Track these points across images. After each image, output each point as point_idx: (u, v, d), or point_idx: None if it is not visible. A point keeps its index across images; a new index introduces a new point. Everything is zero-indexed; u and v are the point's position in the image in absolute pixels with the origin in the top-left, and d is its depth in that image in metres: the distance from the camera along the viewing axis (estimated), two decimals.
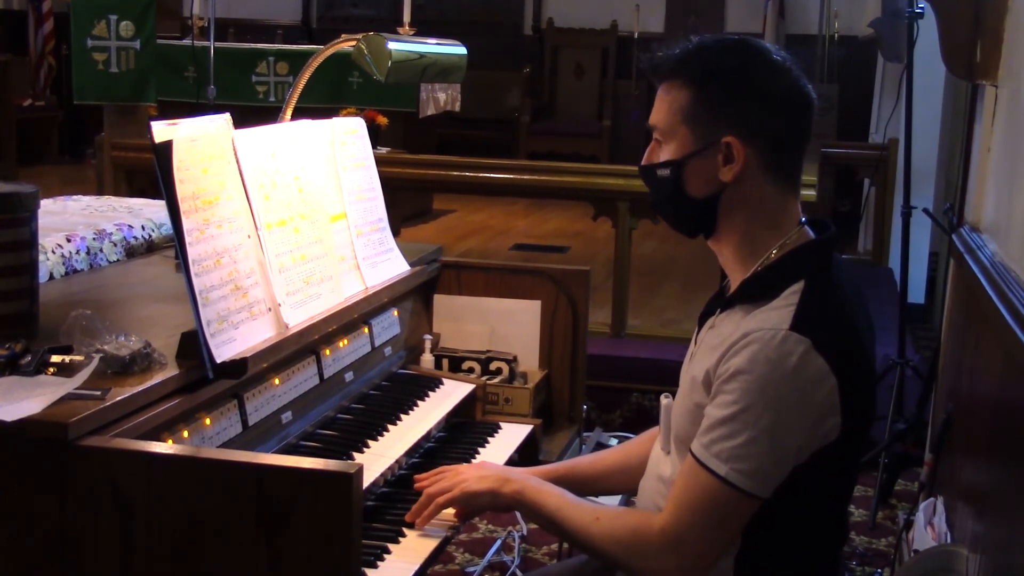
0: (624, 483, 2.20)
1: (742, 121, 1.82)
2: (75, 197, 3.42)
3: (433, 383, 2.60)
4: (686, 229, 1.95)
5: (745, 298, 1.84)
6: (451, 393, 2.58)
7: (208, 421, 1.86)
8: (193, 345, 1.85)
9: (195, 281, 1.86)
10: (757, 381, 1.72)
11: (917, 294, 6.59)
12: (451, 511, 2.02)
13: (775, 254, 1.85)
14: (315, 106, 5.18)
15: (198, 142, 1.95)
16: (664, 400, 2.00)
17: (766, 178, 1.85)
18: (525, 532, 3.87)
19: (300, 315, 2.13)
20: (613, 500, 2.58)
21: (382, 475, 2.13)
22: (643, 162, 1.93)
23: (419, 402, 2.47)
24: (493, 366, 2.76)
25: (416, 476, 2.07)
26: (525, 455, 2.54)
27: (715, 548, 1.79)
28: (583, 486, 2.16)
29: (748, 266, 1.88)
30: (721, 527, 1.77)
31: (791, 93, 1.85)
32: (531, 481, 1.99)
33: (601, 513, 1.91)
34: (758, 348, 1.72)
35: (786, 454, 1.73)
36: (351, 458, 2.11)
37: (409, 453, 2.27)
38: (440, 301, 2.88)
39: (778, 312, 1.76)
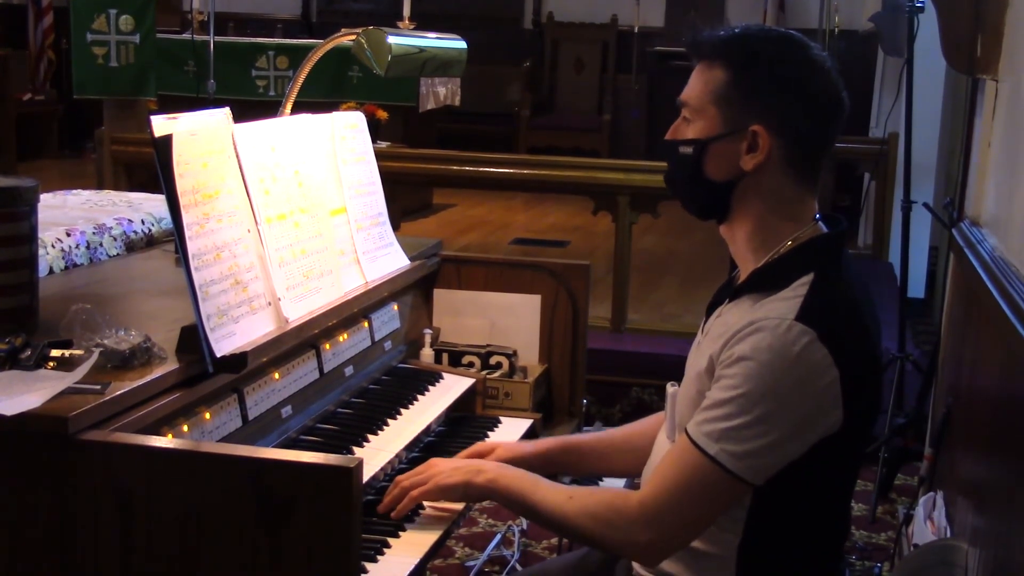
0: (625, 464, 2.22)
1: (773, 112, 1.82)
2: (75, 191, 3.41)
3: (433, 377, 2.60)
4: (697, 210, 1.94)
5: (754, 288, 1.84)
6: (451, 387, 2.58)
7: (208, 415, 1.86)
8: (193, 339, 1.85)
9: (195, 275, 1.86)
10: (759, 367, 1.72)
11: (917, 288, 6.59)
12: (456, 505, 2.04)
13: (789, 245, 1.85)
14: (315, 100, 5.16)
15: (198, 136, 1.95)
16: (671, 388, 2.00)
17: (785, 172, 1.84)
18: (525, 526, 3.87)
19: (300, 309, 2.13)
20: (618, 483, 2.58)
21: (382, 469, 2.13)
22: (667, 136, 1.92)
23: (419, 396, 2.48)
24: (493, 360, 2.76)
25: (398, 478, 2.05)
26: None
27: (691, 528, 1.79)
28: (584, 462, 2.19)
29: (760, 256, 1.88)
30: (701, 507, 1.77)
31: (826, 94, 1.85)
32: (505, 469, 2.00)
33: (575, 492, 1.91)
34: (763, 336, 1.73)
35: (780, 443, 1.73)
36: (351, 452, 2.12)
37: (409, 447, 2.27)
38: (440, 295, 2.88)
39: (786, 302, 1.76)
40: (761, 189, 1.85)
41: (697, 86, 1.88)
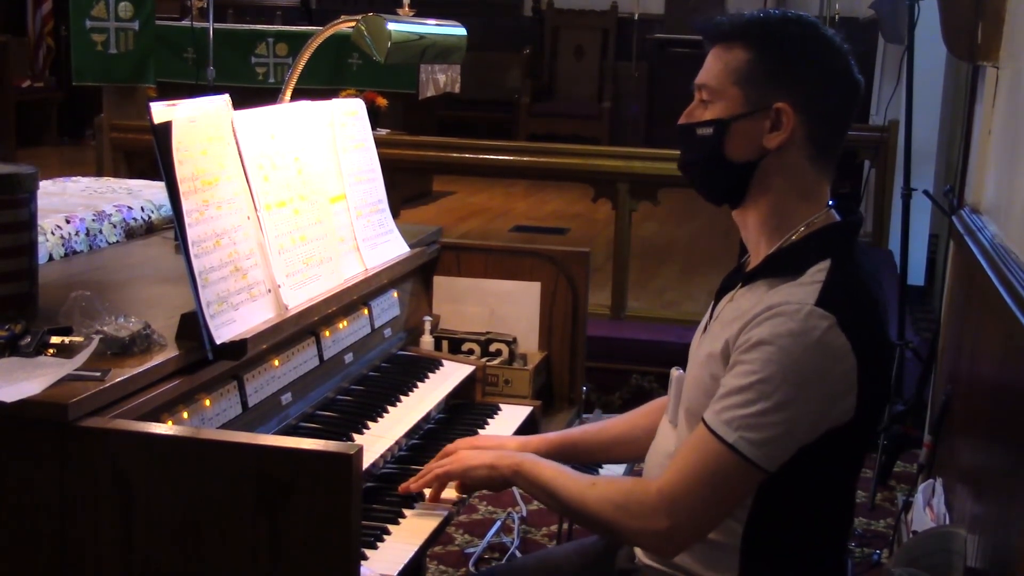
0: (628, 453, 2.22)
1: (798, 89, 1.81)
2: (74, 178, 3.41)
3: (433, 364, 2.60)
4: (715, 193, 1.93)
5: (769, 272, 1.83)
6: (451, 374, 2.58)
7: (208, 402, 1.86)
8: (193, 326, 1.85)
9: (195, 262, 1.86)
10: (778, 352, 1.71)
11: (917, 276, 6.58)
12: (452, 493, 2.04)
13: (802, 231, 1.85)
14: (314, 87, 5.17)
15: (197, 123, 1.95)
16: (675, 372, 1.99)
17: (807, 152, 1.84)
18: (525, 513, 3.88)
19: (300, 296, 2.13)
20: (618, 470, 2.58)
21: (382, 456, 2.13)
22: (681, 120, 1.91)
23: (419, 384, 2.48)
24: (493, 347, 2.76)
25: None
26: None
27: (710, 516, 1.78)
28: (589, 456, 2.19)
29: (773, 240, 1.87)
30: (720, 495, 1.76)
31: (847, 73, 1.85)
32: (529, 456, 2.00)
33: (598, 480, 1.91)
34: (782, 320, 1.72)
35: (797, 429, 1.72)
36: (351, 439, 2.12)
37: (409, 434, 2.27)
38: (440, 283, 2.88)
39: (804, 288, 1.76)
40: (781, 169, 1.84)
41: (717, 67, 1.86)
